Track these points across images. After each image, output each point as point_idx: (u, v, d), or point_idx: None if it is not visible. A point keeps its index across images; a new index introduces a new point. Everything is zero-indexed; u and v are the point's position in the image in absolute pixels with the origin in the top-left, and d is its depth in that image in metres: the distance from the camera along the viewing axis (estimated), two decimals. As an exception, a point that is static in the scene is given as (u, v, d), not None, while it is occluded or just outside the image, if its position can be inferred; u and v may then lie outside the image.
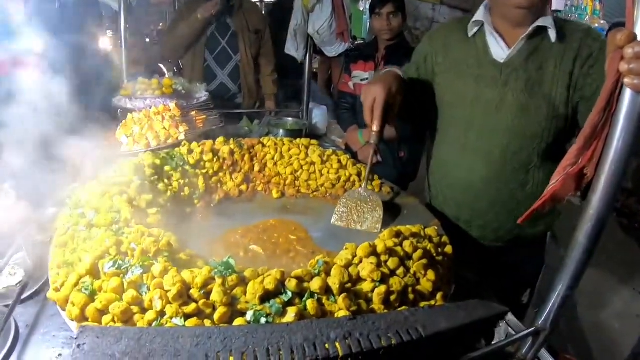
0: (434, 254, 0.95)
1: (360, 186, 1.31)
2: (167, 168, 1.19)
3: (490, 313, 0.69)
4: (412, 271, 0.87)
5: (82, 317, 0.69)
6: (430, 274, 0.87)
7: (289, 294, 0.71)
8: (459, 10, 4.63)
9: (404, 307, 0.78)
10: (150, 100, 1.68)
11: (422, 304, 0.82)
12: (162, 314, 0.67)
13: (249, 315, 0.66)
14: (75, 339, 0.55)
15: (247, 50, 2.64)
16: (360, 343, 0.55)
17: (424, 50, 1.45)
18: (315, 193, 1.45)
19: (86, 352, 0.53)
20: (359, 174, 1.47)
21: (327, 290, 0.74)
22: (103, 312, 0.69)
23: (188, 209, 1.21)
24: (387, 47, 2.35)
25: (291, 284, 0.72)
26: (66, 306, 0.70)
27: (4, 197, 1.45)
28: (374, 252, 0.86)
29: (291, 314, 0.67)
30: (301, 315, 0.67)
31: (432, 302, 0.85)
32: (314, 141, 1.56)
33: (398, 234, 0.95)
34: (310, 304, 0.69)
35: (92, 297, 0.70)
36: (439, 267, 0.93)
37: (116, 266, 0.73)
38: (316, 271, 0.79)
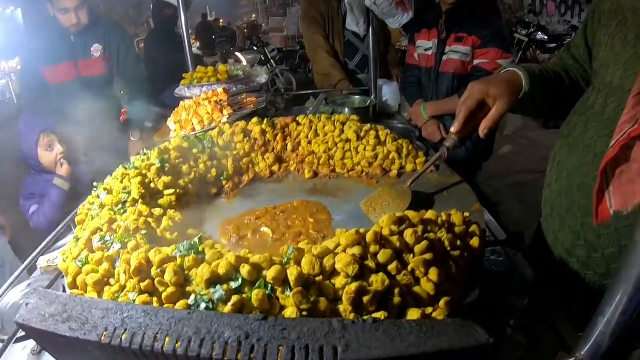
0: (449, 248, 0.76)
1: (407, 176, 1.16)
2: (194, 151, 1.24)
3: (462, 344, 0.48)
4: (409, 268, 0.71)
5: (74, 285, 0.77)
6: (433, 274, 0.69)
7: (240, 280, 0.65)
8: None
9: (380, 314, 0.64)
10: (206, 87, 1.77)
11: (411, 311, 0.67)
12: (124, 287, 0.69)
13: (191, 299, 0.63)
14: (27, 298, 0.61)
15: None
16: (252, 350, 0.46)
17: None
18: (350, 173, 1.34)
19: (29, 310, 0.61)
20: (398, 151, 1.29)
21: (285, 281, 0.66)
22: (87, 282, 0.75)
23: (214, 190, 1.25)
24: (447, 10, 2.04)
25: (244, 270, 0.65)
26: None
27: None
28: (361, 241, 0.73)
29: (230, 303, 0.61)
30: (242, 306, 0.61)
31: (429, 311, 0.68)
32: (353, 116, 1.44)
33: (401, 221, 0.78)
34: (256, 295, 0.62)
35: (82, 268, 0.77)
36: (453, 264, 0.74)
37: (102, 242, 0.79)
38: (285, 259, 0.71)
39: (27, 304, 0.61)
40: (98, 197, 0.98)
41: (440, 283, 0.70)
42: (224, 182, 1.28)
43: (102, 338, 0.54)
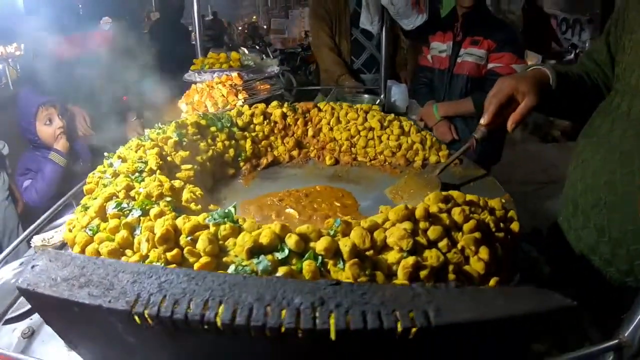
0: (493, 229, 0.71)
1: (431, 167, 1.16)
2: (212, 129, 1.17)
3: (546, 306, 0.44)
4: (459, 246, 0.66)
5: (84, 256, 0.68)
6: (483, 252, 0.64)
7: (286, 251, 0.58)
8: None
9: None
10: (217, 73, 1.71)
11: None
12: (145, 257, 0.61)
13: (231, 269, 0.55)
14: (34, 259, 0.52)
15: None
16: (330, 316, 0.39)
17: (618, 5, 1.04)
18: (372, 161, 1.28)
19: (36, 273, 0.52)
20: (422, 142, 1.25)
21: (336, 254, 0.59)
22: (100, 251, 0.66)
23: (231, 171, 1.17)
24: (464, 14, 2.05)
25: (291, 240, 0.58)
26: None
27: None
28: (410, 217, 0.67)
29: (279, 274, 0.53)
30: (292, 277, 0.54)
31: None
32: (375, 106, 1.39)
33: (447, 200, 0.73)
34: (307, 266, 0.55)
35: (93, 236, 0.69)
36: (498, 246, 0.69)
37: (118, 208, 0.70)
38: (331, 232, 0.64)
39: (33, 267, 0.52)
40: (111, 165, 0.90)
41: (490, 263, 0.65)
42: (241, 164, 1.20)
43: (134, 306, 0.45)
